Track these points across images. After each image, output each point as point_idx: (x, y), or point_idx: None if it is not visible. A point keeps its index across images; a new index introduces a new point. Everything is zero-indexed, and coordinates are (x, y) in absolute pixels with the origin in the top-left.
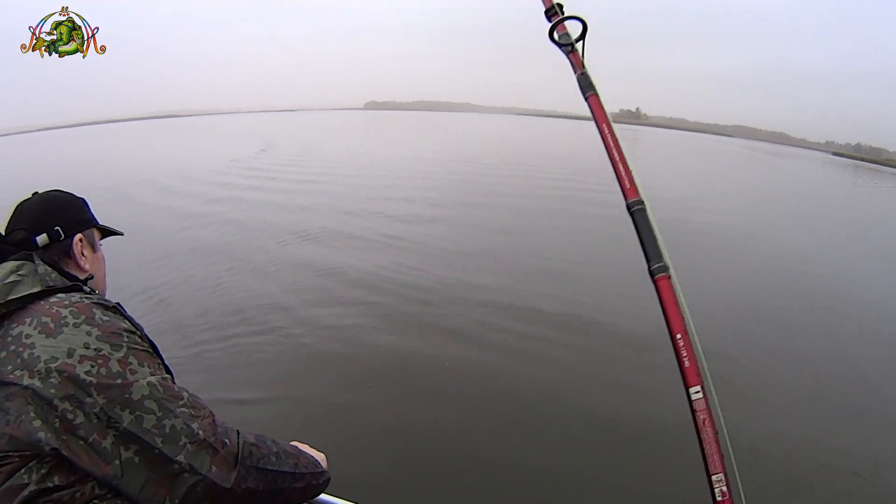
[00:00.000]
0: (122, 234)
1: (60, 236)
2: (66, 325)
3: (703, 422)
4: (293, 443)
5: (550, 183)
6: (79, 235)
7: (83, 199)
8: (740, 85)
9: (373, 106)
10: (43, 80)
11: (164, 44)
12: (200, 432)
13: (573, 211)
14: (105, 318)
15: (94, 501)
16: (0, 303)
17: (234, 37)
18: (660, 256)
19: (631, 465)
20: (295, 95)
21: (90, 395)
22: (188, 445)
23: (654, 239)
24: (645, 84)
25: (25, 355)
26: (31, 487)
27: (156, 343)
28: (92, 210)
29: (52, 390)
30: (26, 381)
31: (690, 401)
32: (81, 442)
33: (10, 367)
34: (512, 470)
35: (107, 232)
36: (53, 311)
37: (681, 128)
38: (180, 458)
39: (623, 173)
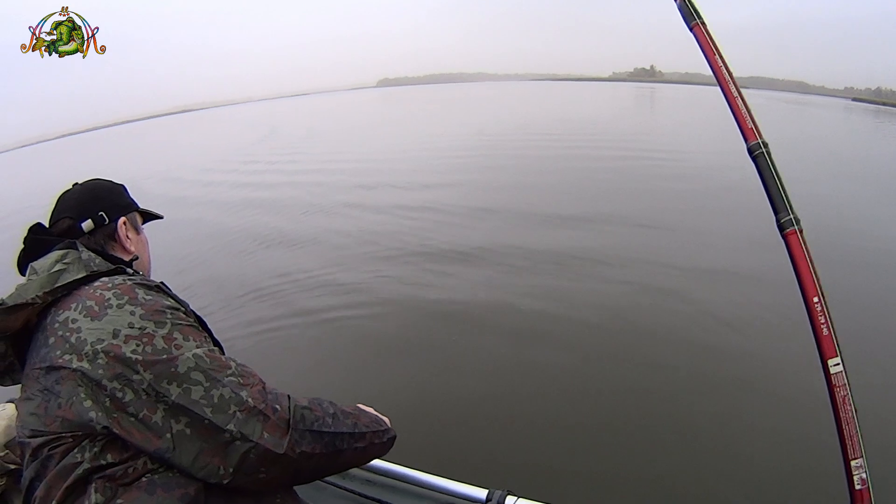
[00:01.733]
0: (161, 218)
1: (105, 220)
2: (111, 306)
3: (843, 399)
4: (357, 405)
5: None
6: (122, 219)
7: (123, 185)
8: (752, 39)
9: (385, 83)
10: (50, 87)
11: (169, 40)
12: (250, 400)
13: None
14: (148, 297)
15: (147, 475)
16: (46, 291)
17: (241, 27)
18: (788, 208)
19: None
20: (307, 79)
21: (137, 373)
22: (238, 413)
23: (781, 187)
24: (656, 41)
25: (73, 339)
26: (85, 465)
27: (203, 318)
28: (132, 195)
29: (101, 371)
30: (75, 364)
31: (828, 375)
32: (132, 419)
33: (58, 352)
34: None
35: (148, 216)
36: (97, 294)
37: (697, 82)
38: (231, 426)
39: (742, 112)
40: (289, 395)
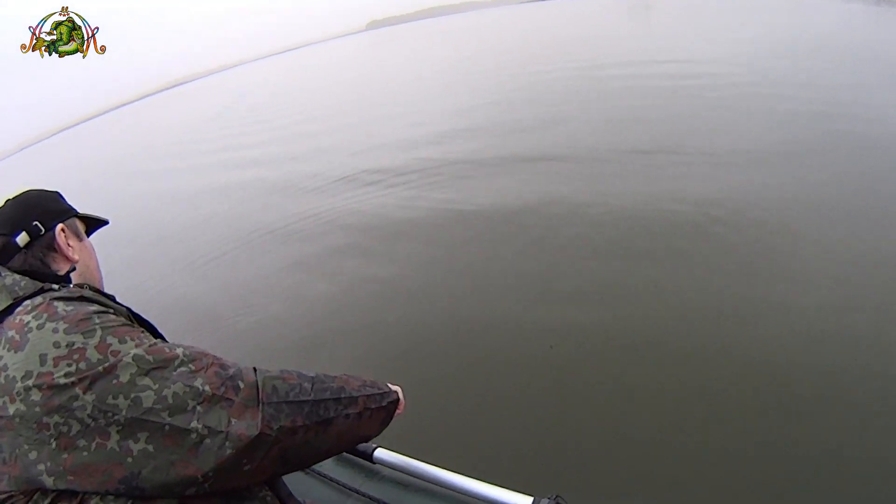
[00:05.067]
0: (107, 223)
1: (41, 230)
2: (31, 330)
3: None
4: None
5: None
6: (60, 226)
7: (57, 192)
8: None
9: (375, 25)
10: (37, 84)
11: (155, 16)
12: (206, 387)
13: None
14: (68, 307)
15: None
16: None
17: None
18: None
19: None
20: (296, 33)
21: (77, 398)
22: (198, 407)
23: None
24: None
25: (2, 380)
26: None
27: (146, 318)
28: (68, 201)
29: (37, 409)
30: (11, 410)
31: None
32: (85, 453)
33: None
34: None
35: (91, 222)
36: (17, 321)
37: None
38: (194, 424)
39: None
40: (255, 368)
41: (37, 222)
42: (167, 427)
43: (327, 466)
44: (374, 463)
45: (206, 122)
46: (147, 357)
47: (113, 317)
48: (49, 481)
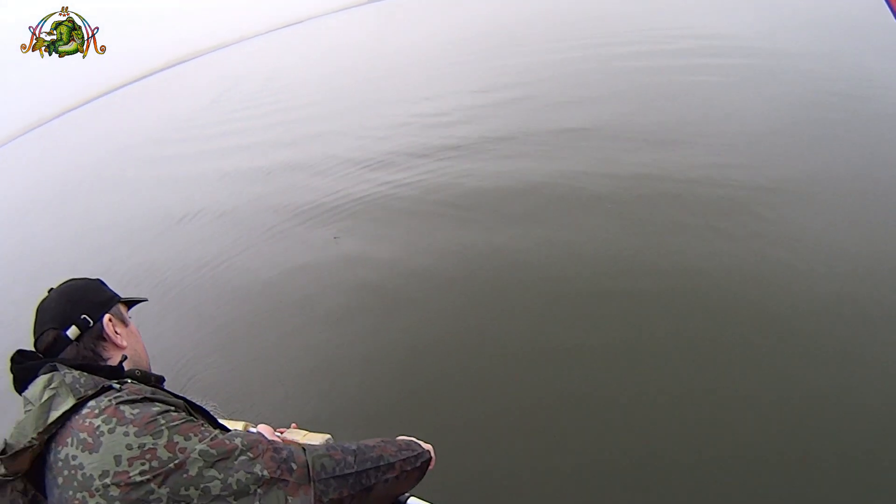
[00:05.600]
0: (146, 301)
1: (90, 323)
2: (102, 434)
3: None
4: (400, 437)
5: None
6: (107, 316)
7: (99, 280)
8: None
9: None
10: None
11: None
12: (265, 472)
13: None
14: (135, 411)
15: None
16: (40, 431)
17: None
18: None
19: None
20: (294, 8)
21: (153, 492)
22: (258, 490)
23: None
24: None
25: (79, 477)
26: None
27: (203, 406)
28: (110, 286)
29: (117, 502)
30: (91, 503)
31: None
32: None
33: (71, 493)
34: None
35: (131, 302)
36: (87, 424)
37: None
38: None
39: None
40: (304, 448)
41: (85, 315)
42: None
43: None
44: None
45: (198, 111)
46: (211, 451)
47: (175, 414)
48: None
